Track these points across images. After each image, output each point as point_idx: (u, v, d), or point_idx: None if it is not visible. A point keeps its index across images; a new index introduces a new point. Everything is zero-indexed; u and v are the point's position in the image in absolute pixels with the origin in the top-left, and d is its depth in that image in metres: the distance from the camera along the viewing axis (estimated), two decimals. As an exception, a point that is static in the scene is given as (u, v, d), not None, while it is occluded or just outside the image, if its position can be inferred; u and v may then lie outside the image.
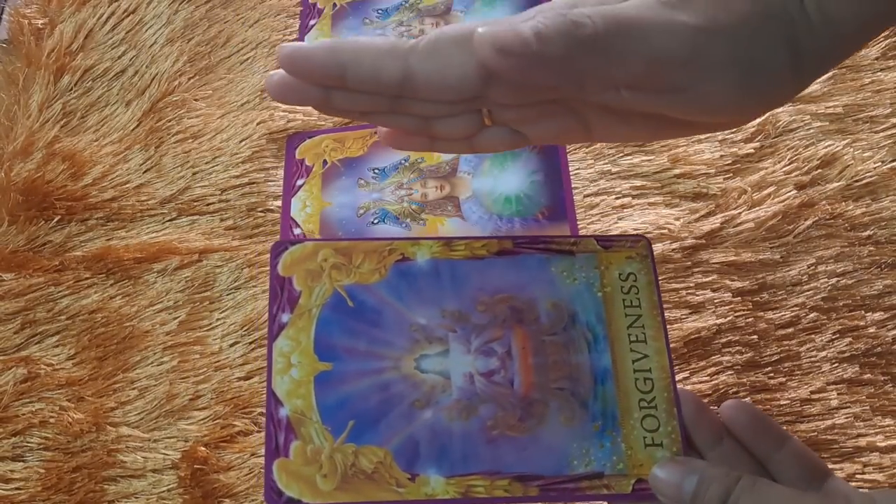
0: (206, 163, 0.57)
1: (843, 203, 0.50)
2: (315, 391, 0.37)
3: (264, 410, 0.47)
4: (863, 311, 0.47)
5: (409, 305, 0.39)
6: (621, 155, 0.54)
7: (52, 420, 0.48)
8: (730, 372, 0.46)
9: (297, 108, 0.59)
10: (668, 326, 0.48)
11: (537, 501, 0.36)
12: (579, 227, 0.52)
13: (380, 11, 0.64)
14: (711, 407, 0.45)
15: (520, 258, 0.39)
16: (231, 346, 0.50)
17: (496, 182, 0.55)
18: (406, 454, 0.36)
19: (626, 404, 0.37)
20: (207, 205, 0.56)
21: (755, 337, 0.47)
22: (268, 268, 0.52)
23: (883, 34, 0.56)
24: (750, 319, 0.47)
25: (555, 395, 0.37)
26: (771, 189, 0.51)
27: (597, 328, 0.38)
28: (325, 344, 0.38)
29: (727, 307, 0.48)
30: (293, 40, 0.63)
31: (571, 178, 0.53)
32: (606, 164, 0.54)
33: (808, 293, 0.48)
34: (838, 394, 0.45)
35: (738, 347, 0.47)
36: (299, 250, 0.39)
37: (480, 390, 0.37)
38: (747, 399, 0.45)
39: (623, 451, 0.36)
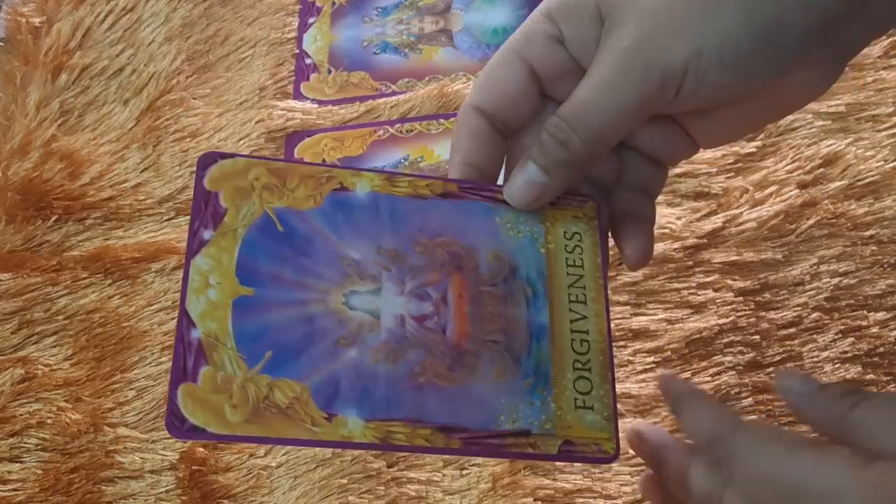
0: (204, 162, 0.57)
1: (846, 202, 0.50)
2: (232, 316, 0.34)
3: None
4: (865, 311, 0.47)
5: (343, 237, 0.36)
6: (622, 154, 0.54)
7: (49, 421, 0.48)
8: (732, 372, 0.46)
9: (296, 106, 0.59)
10: (669, 326, 0.47)
11: (459, 454, 0.34)
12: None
13: (379, 9, 0.64)
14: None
15: (464, 203, 0.37)
16: (230, 346, 0.50)
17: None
18: (325, 392, 0.33)
19: (560, 364, 0.35)
20: (206, 204, 0.55)
21: (757, 337, 0.47)
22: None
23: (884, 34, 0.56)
24: (752, 319, 0.47)
25: (488, 347, 0.35)
26: (773, 188, 0.51)
27: (537, 284, 0.37)
28: (248, 267, 0.35)
29: (729, 307, 0.48)
30: (291, 38, 0.62)
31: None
32: (607, 163, 0.53)
33: (810, 293, 0.48)
34: (841, 394, 0.45)
35: (739, 347, 0.47)
36: (230, 165, 0.36)
37: (410, 334, 0.35)
38: (749, 399, 0.45)
39: (553, 411, 0.35)
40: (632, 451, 0.43)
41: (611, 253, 0.50)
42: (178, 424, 0.31)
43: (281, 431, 0.32)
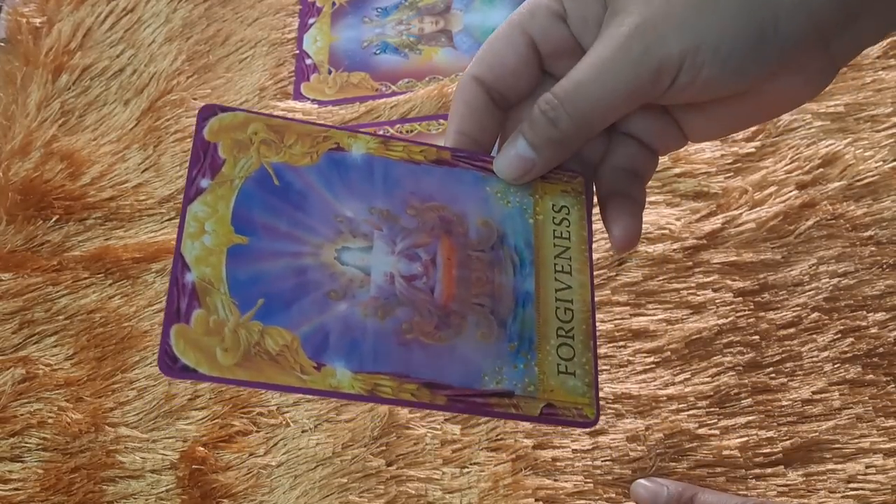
0: (204, 162, 0.57)
1: (845, 203, 0.50)
2: (227, 262, 0.35)
3: (263, 410, 0.47)
4: (864, 312, 0.47)
5: (337, 195, 0.37)
6: (622, 154, 0.54)
7: (50, 420, 0.48)
8: (731, 373, 0.46)
9: (296, 106, 0.59)
10: (669, 326, 0.48)
11: (443, 410, 0.35)
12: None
13: (379, 10, 0.64)
14: (716, 409, 0.45)
15: (456, 171, 0.38)
16: (230, 346, 0.50)
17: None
18: (314, 342, 0.34)
19: (545, 330, 0.36)
20: (206, 204, 0.55)
21: (756, 337, 0.47)
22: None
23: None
24: (751, 320, 0.47)
25: (474, 309, 0.36)
26: (772, 189, 0.51)
27: (524, 252, 0.38)
28: (243, 217, 0.36)
29: (728, 307, 0.48)
30: (292, 39, 0.62)
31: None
32: (607, 163, 0.53)
33: (809, 293, 0.48)
34: (840, 394, 0.45)
35: (739, 348, 0.47)
36: (229, 118, 0.38)
37: (399, 292, 0.36)
38: (748, 400, 0.45)
39: (536, 375, 0.36)
40: (629, 445, 0.43)
41: (609, 256, 0.50)
42: (170, 363, 0.32)
43: (270, 377, 0.33)
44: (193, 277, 0.34)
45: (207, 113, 0.37)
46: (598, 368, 0.37)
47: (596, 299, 0.40)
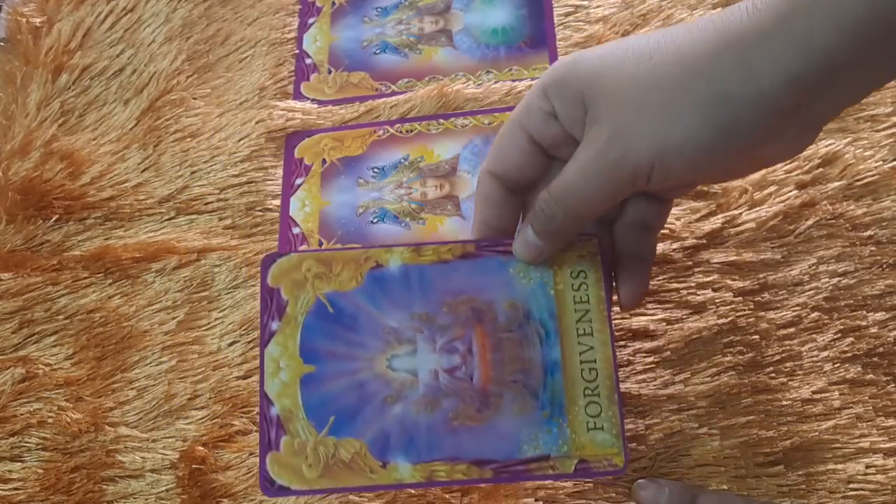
0: (204, 162, 0.57)
1: (845, 203, 0.50)
2: (301, 391, 0.41)
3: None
4: (864, 311, 0.47)
5: (382, 309, 0.42)
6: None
7: (50, 420, 0.48)
8: (731, 372, 0.46)
9: (296, 106, 0.59)
10: (669, 326, 0.48)
11: (491, 482, 0.39)
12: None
13: (379, 10, 0.64)
14: (716, 408, 0.45)
15: (481, 261, 0.43)
16: (229, 345, 0.50)
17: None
18: (379, 445, 0.40)
19: (572, 393, 0.40)
20: (206, 204, 0.55)
21: (756, 337, 0.47)
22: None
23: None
24: (751, 319, 0.47)
25: (509, 387, 0.40)
26: (772, 188, 0.51)
27: (549, 324, 0.41)
28: (309, 348, 0.42)
29: (728, 307, 0.48)
30: (292, 39, 0.62)
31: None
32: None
33: (809, 293, 0.48)
34: (840, 394, 0.45)
35: (739, 347, 0.47)
36: (286, 262, 0.43)
37: (444, 385, 0.41)
38: (748, 399, 0.45)
39: (568, 435, 0.40)
40: (630, 445, 0.43)
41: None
42: (269, 486, 0.39)
43: (347, 481, 0.39)
44: (277, 411, 0.40)
45: (268, 262, 0.43)
46: (624, 412, 0.41)
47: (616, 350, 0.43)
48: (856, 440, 0.43)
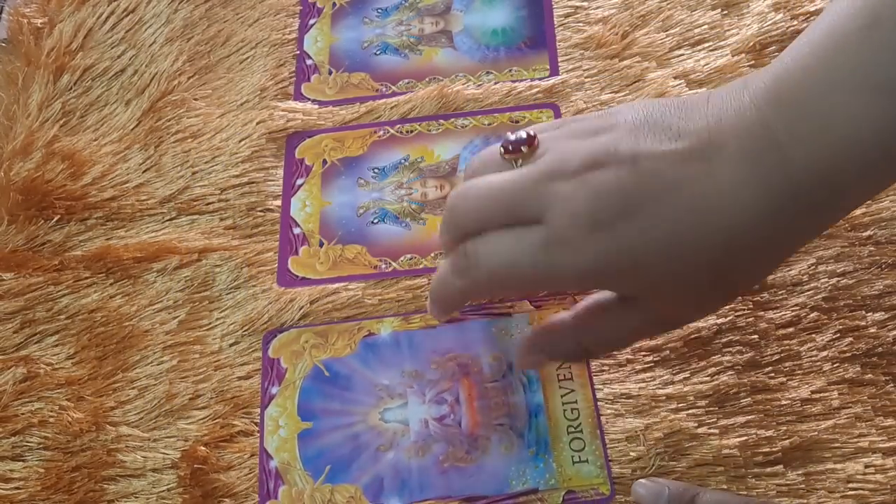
0: (205, 162, 0.57)
1: (844, 203, 0.50)
2: (298, 445, 0.45)
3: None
4: (863, 311, 0.47)
5: (374, 370, 0.46)
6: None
7: (51, 419, 0.48)
8: (730, 372, 0.46)
9: (297, 107, 0.59)
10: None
11: None
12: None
13: (379, 10, 0.64)
14: (716, 408, 0.45)
15: (465, 324, 0.47)
16: (231, 345, 0.50)
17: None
18: (373, 489, 0.43)
19: (556, 431, 0.43)
20: (207, 204, 0.56)
21: (756, 336, 0.47)
22: (267, 267, 0.52)
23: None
24: (750, 319, 0.47)
25: (496, 430, 0.44)
26: (771, 189, 0.51)
27: (531, 373, 0.45)
28: (306, 407, 0.46)
29: (728, 307, 0.48)
30: (292, 40, 0.63)
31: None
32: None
33: (808, 293, 0.48)
34: (839, 394, 0.45)
35: (738, 347, 0.47)
36: (285, 336, 0.48)
37: (434, 432, 0.44)
38: (748, 399, 0.45)
39: (554, 469, 0.42)
40: (629, 445, 0.43)
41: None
42: None
43: None
44: (275, 463, 0.44)
45: (269, 337, 0.48)
46: (606, 438, 0.44)
47: (597, 388, 0.46)
48: (855, 440, 0.44)
